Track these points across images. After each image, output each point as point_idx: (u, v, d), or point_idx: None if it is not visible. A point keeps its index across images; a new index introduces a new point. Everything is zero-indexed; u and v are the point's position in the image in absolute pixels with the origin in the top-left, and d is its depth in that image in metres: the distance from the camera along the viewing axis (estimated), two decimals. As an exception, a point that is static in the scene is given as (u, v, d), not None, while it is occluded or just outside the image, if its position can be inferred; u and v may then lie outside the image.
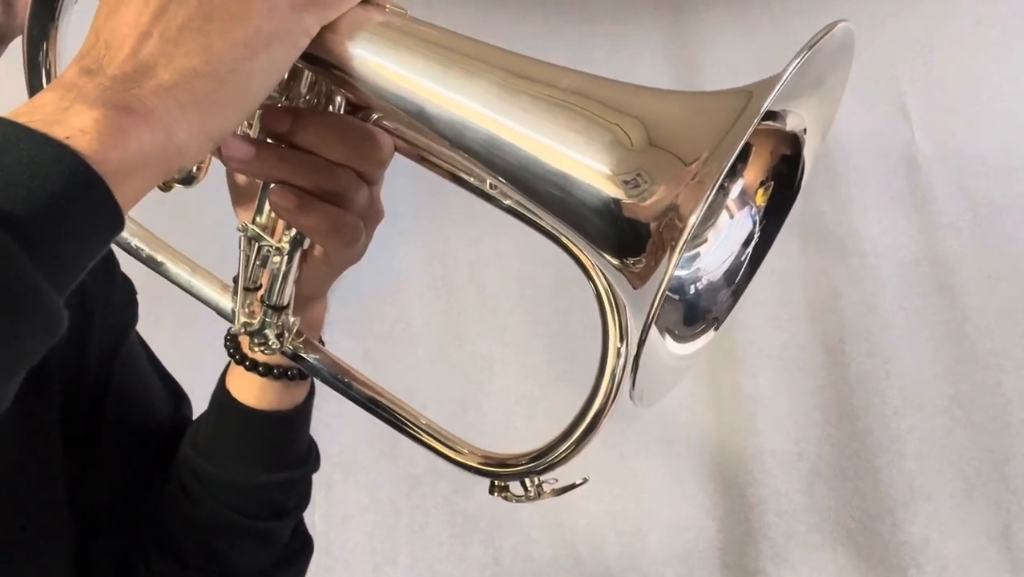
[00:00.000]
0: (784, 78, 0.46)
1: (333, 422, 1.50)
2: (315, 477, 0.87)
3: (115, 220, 0.46)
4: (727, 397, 1.62)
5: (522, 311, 1.62)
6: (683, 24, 1.69)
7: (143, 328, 0.91)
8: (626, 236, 0.49)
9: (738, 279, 0.57)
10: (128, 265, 0.79)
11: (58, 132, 0.45)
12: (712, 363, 1.62)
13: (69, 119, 0.46)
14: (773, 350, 1.62)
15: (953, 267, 1.60)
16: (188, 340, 1.40)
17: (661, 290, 0.46)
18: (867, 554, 1.57)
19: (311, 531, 0.90)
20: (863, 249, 1.62)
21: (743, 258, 0.57)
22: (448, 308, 1.63)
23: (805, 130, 0.55)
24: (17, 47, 0.68)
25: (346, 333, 1.54)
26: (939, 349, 1.59)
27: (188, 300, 0.76)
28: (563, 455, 0.65)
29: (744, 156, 0.56)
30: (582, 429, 0.64)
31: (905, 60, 1.64)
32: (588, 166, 0.50)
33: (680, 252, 0.46)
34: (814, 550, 1.58)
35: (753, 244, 0.57)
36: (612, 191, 0.49)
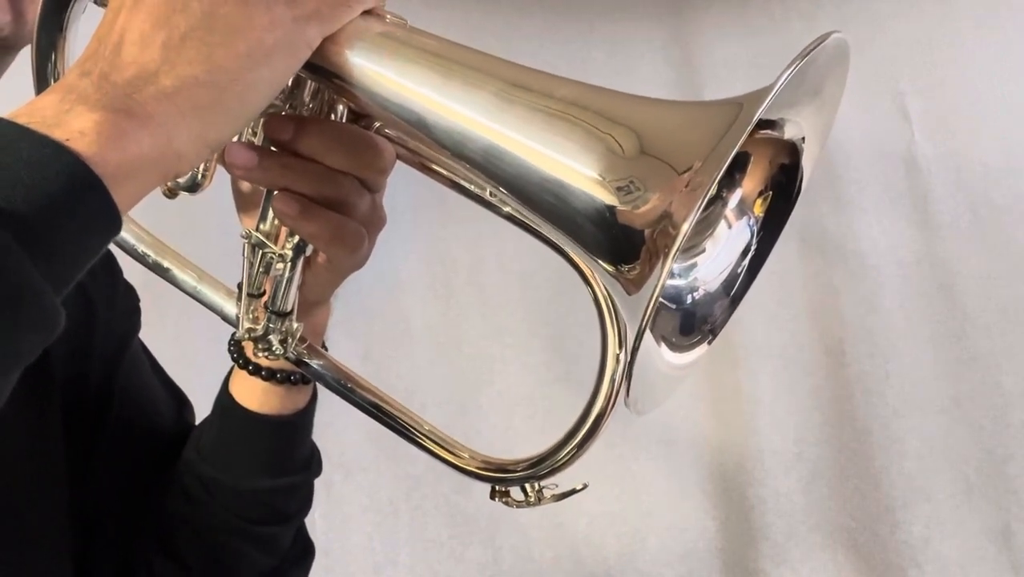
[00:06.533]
0: (775, 89, 0.46)
1: (334, 422, 1.49)
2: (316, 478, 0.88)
3: (113, 221, 0.46)
4: (727, 397, 1.62)
5: (522, 312, 1.62)
6: (683, 24, 1.68)
7: (146, 326, 0.91)
8: (620, 243, 0.49)
9: (735, 289, 0.58)
10: (129, 264, 0.79)
11: (58, 134, 0.45)
12: (712, 363, 1.61)
13: (69, 121, 0.46)
14: (773, 350, 1.62)
15: (953, 267, 1.60)
16: (190, 337, 1.40)
17: (654, 296, 0.46)
18: (867, 554, 1.57)
19: (311, 531, 0.90)
20: (863, 249, 1.62)
21: (740, 269, 0.57)
22: (448, 309, 1.63)
23: (804, 139, 0.56)
24: (26, 55, 0.68)
25: (347, 333, 1.54)
26: (939, 349, 1.59)
27: (190, 298, 0.76)
28: (563, 460, 0.66)
29: (743, 165, 0.56)
30: (582, 434, 0.65)
31: (905, 60, 1.64)
32: (583, 174, 0.50)
33: (673, 259, 0.46)
34: (814, 550, 1.58)
35: (750, 256, 0.57)
36: (607, 198, 0.50)
